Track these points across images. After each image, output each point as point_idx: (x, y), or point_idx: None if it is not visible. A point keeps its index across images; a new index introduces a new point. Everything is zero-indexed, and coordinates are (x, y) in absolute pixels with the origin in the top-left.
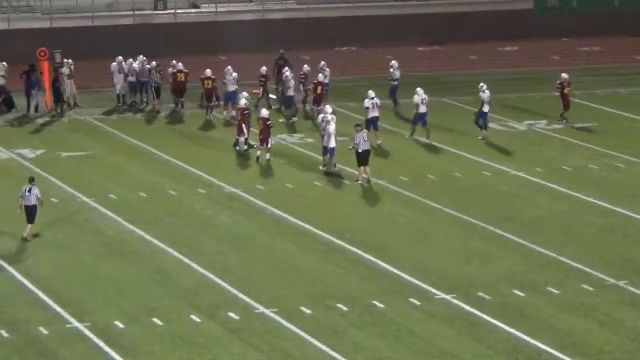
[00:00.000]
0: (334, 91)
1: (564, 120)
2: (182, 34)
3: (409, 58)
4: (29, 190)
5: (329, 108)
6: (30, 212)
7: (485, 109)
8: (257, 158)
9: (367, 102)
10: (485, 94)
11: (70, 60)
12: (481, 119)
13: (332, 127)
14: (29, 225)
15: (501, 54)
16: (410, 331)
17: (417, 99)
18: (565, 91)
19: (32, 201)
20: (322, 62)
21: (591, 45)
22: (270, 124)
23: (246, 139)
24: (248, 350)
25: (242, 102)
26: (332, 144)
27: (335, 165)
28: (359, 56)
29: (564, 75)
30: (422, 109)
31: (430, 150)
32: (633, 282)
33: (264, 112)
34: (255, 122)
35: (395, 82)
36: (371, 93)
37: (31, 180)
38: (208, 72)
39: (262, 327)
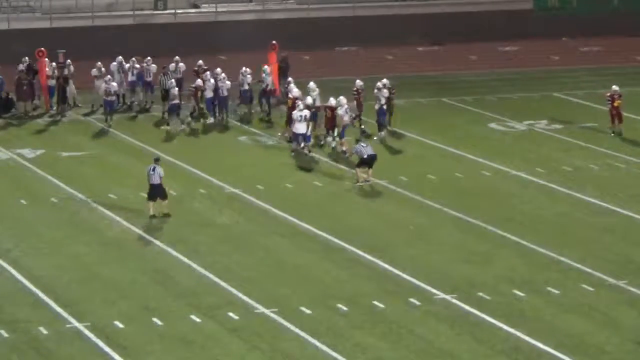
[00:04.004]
0: (333, 91)
1: (612, 134)
2: (182, 34)
3: (409, 58)
4: (153, 170)
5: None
6: (156, 191)
7: (385, 107)
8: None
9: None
10: (384, 93)
11: (68, 61)
12: (382, 118)
13: (305, 112)
14: (151, 203)
15: (501, 54)
16: (410, 331)
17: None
18: (616, 104)
19: (156, 180)
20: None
21: (591, 45)
22: (336, 112)
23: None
24: (248, 350)
25: (309, 99)
26: (303, 129)
27: (310, 151)
28: (359, 56)
29: (615, 87)
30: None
31: (430, 150)
32: (633, 282)
33: (332, 101)
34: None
35: (247, 88)
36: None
37: (156, 160)
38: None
39: (262, 327)
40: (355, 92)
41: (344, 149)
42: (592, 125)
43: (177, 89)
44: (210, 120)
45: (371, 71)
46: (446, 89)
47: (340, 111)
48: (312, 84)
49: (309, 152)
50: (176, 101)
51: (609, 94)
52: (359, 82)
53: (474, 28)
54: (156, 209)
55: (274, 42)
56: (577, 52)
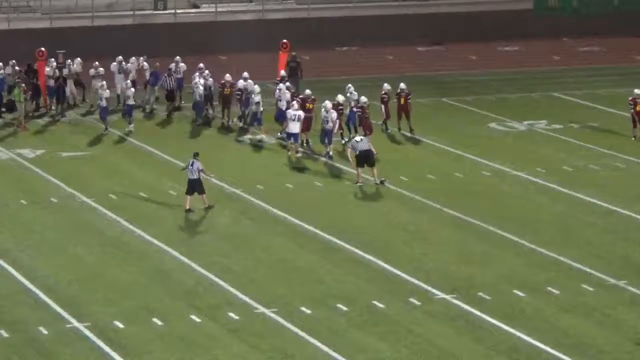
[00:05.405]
0: (334, 91)
1: (633, 138)
2: (182, 34)
3: (409, 58)
4: (192, 164)
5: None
6: (194, 185)
7: (355, 109)
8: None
9: (256, 97)
10: (354, 95)
11: (68, 61)
12: (351, 122)
13: (299, 113)
14: (188, 197)
15: (501, 54)
16: (410, 331)
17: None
18: (638, 108)
19: (195, 175)
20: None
21: (591, 45)
22: (367, 112)
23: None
24: (248, 350)
25: (363, 99)
26: (296, 129)
27: (297, 152)
28: (359, 56)
29: (637, 91)
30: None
31: (430, 150)
32: (633, 282)
33: (363, 100)
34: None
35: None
36: (257, 88)
37: (195, 155)
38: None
39: (262, 327)
40: (385, 95)
41: (329, 152)
42: (592, 125)
43: (132, 89)
44: (199, 121)
45: (371, 71)
46: (446, 89)
47: (328, 115)
48: (282, 86)
49: (297, 152)
50: (131, 102)
51: (631, 99)
52: (386, 86)
53: (474, 28)
54: (192, 204)
55: (284, 40)
56: (577, 52)
